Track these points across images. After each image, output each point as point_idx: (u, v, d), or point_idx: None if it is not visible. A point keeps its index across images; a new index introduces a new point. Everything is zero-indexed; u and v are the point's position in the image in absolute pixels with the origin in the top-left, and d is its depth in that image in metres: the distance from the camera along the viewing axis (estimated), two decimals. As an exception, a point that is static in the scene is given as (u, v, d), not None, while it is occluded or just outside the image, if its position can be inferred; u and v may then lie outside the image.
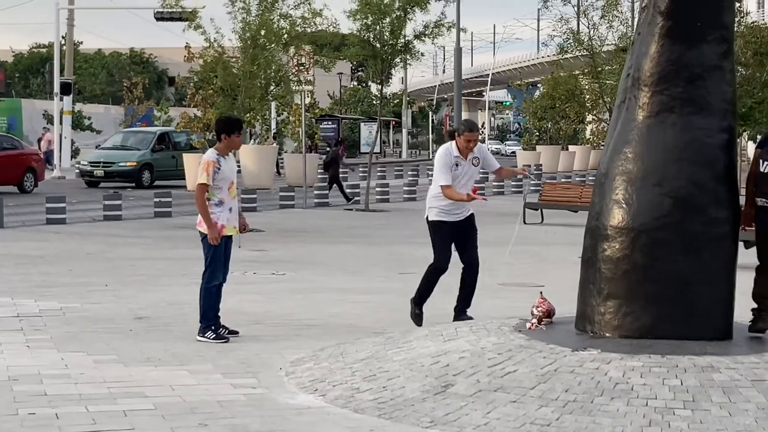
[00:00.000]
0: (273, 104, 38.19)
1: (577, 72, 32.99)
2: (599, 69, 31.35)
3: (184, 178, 35.99)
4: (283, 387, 8.14)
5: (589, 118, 47.31)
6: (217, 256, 9.89)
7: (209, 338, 9.76)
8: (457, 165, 10.21)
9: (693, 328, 8.23)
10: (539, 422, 6.96)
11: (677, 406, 7.02)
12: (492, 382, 7.59)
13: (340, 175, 32.73)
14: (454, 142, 10.28)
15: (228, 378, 8.36)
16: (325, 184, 31.98)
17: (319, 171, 36.34)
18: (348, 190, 31.75)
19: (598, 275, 8.53)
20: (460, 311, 10.51)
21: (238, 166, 35.32)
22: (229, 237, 10.02)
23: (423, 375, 7.92)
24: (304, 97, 30.86)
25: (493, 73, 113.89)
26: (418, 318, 10.41)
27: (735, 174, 8.56)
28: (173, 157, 37.94)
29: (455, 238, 10.45)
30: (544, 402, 7.22)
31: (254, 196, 28.24)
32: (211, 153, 9.89)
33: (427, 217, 10.55)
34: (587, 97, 34.01)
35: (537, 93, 78.11)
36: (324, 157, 34.21)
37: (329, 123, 71.14)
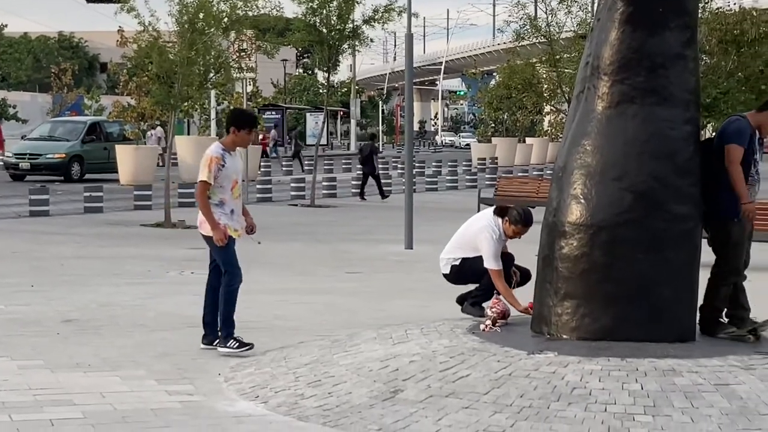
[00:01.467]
0: (213, 93, 38.00)
1: (534, 60, 33.10)
2: (557, 57, 31.54)
3: (116, 171, 35.76)
4: (221, 394, 8.11)
5: (547, 108, 47.42)
6: (231, 255, 9.39)
7: (233, 347, 9.34)
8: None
9: (654, 330, 8.31)
10: (493, 429, 6.99)
11: (637, 411, 7.08)
12: (443, 387, 7.61)
13: (379, 170, 33.46)
14: (500, 220, 9.86)
15: (163, 384, 8.31)
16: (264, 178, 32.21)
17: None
18: (297, 185, 31.75)
19: (556, 274, 8.58)
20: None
21: (175, 158, 35.26)
22: (233, 239, 9.48)
23: (371, 380, 7.93)
24: (246, 86, 30.76)
25: (446, 61, 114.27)
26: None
27: (698, 167, 8.63)
28: (105, 149, 37.64)
29: None
30: (498, 408, 7.25)
31: (192, 190, 28.08)
32: (215, 148, 9.41)
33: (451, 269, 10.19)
34: (545, 86, 34.16)
35: (492, 82, 78.35)
36: (360, 150, 34.67)
37: (273, 113, 70.94)
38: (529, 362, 7.83)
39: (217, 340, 9.45)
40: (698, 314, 8.80)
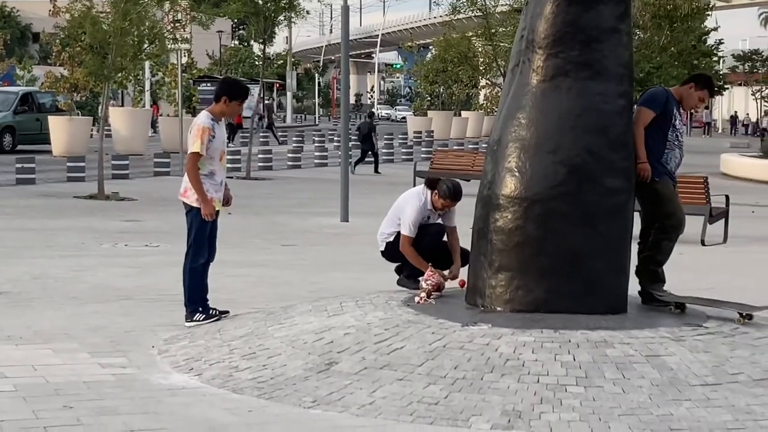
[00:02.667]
0: (147, 64, 37.66)
1: (470, 34, 33.17)
2: (493, 30, 31.60)
3: (49, 143, 35.32)
4: (155, 366, 8.06)
5: (483, 82, 47.59)
6: (204, 232, 9.28)
7: (199, 320, 9.25)
8: (428, 218, 9.94)
9: (587, 302, 8.38)
10: (427, 400, 7.01)
11: (569, 382, 7.14)
12: (378, 359, 7.62)
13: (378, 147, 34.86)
14: (430, 193, 9.80)
15: (96, 357, 8.24)
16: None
17: (353, 140, 36.92)
18: (232, 157, 31.66)
19: (490, 247, 8.62)
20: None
21: (108, 131, 34.90)
22: (217, 212, 9.37)
23: (305, 352, 7.92)
24: (181, 57, 30.48)
25: (382, 34, 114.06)
26: None
27: (631, 141, 8.70)
28: (38, 120, 37.16)
29: None
30: (432, 379, 7.27)
31: (126, 162, 27.87)
32: (205, 118, 9.21)
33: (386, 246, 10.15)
34: (480, 60, 34.25)
35: (429, 55, 78.32)
36: (358, 128, 35.56)
37: (208, 84, 70.24)
38: (463, 334, 7.87)
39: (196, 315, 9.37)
40: (638, 268, 8.97)
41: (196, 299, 9.35)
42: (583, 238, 8.42)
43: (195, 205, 9.20)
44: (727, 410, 6.90)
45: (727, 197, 17.49)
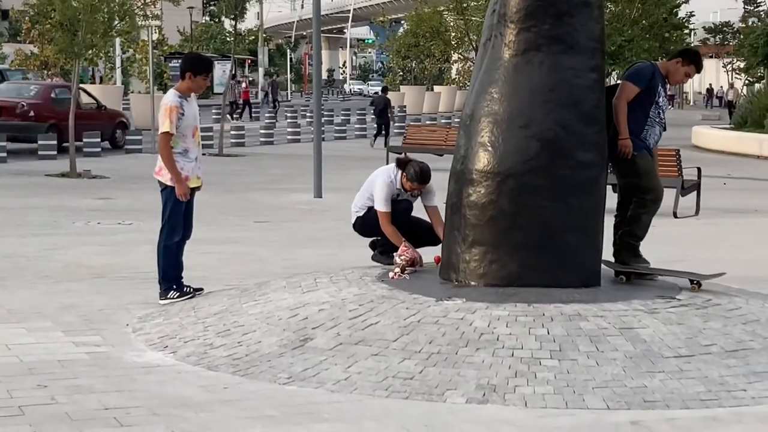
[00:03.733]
0: (117, 41, 37.40)
1: (442, 8, 33.13)
2: (464, 5, 31.56)
3: (19, 121, 35.02)
4: (129, 344, 8.03)
5: (455, 57, 47.54)
6: (179, 210, 9.23)
7: (173, 298, 9.23)
8: (398, 195, 9.88)
9: (560, 276, 8.39)
10: (402, 375, 7.02)
11: (544, 356, 7.16)
12: (353, 335, 7.63)
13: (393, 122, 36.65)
14: (400, 173, 9.72)
15: (69, 336, 8.21)
16: None
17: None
18: (205, 134, 31.70)
19: (463, 221, 8.62)
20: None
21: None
22: (194, 189, 9.34)
23: (280, 329, 7.91)
24: (152, 33, 30.30)
25: (354, 9, 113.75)
26: None
27: (603, 115, 8.71)
28: (8, 98, 36.86)
29: None
30: (407, 354, 7.28)
31: (97, 140, 27.71)
32: (172, 96, 9.15)
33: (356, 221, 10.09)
34: (452, 34, 34.21)
35: (401, 30, 78.12)
36: (374, 103, 37.16)
37: (179, 61, 69.98)
38: (438, 309, 7.87)
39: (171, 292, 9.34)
40: (616, 243, 9.03)
41: (170, 277, 9.33)
42: (555, 212, 8.42)
43: (170, 183, 9.17)
44: (701, 381, 6.94)
45: (699, 169, 17.57)
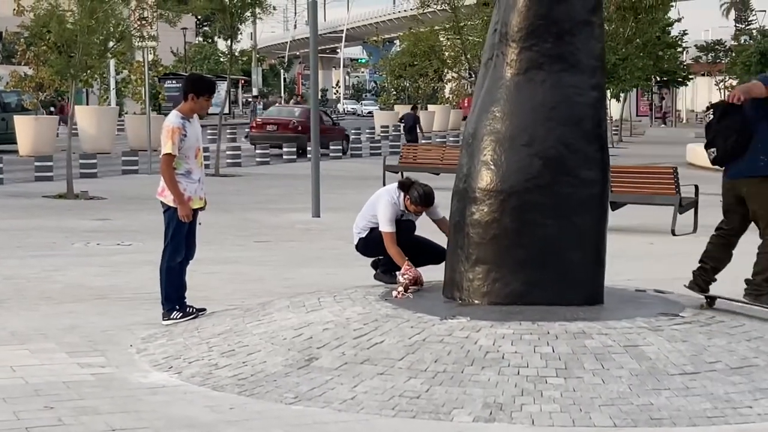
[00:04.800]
0: (112, 62, 37.43)
1: (437, 27, 33.25)
2: (462, 24, 31.65)
3: (15, 142, 35.07)
4: (134, 365, 8.02)
5: (449, 76, 47.64)
6: (182, 231, 9.22)
7: (176, 318, 9.22)
8: (402, 216, 9.90)
9: (564, 294, 8.41)
10: (408, 394, 7.02)
11: (550, 374, 7.16)
12: (358, 354, 7.62)
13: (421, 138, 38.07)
14: (402, 195, 9.74)
15: (74, 357, 8.20)
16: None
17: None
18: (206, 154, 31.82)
19: (467, 240, 8.63)
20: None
21: (75, 129, 34.71)
22: (196, 210, 9.33)
23: (285, 348, 7.91)
24: (147, 54, 30.33)
25: (347, 29, 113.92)
26: None
27: (605, 133, 8.75)
28: (3, 120, 36.95)
29: None
30: (413, 373, 7.28)
31: (94, 161, 27.73)
32: (174, 118, 9.14)
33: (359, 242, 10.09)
34: (447, 53, 34.32)
35: (393, 50, 78.17)
36: (403, 120, 39.23)
37: (173, 82, 70.02)
38: (443, 327, 7.88)
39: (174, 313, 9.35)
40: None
41: (173, 297, 9.32)
42: (558, 230, 8.45)
43: (172, 204, 9.17)
44: (707, 398, 6.95)
45: (696, 187, 17.58)
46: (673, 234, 16.54)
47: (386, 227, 9.67)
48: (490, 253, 8.53)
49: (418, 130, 37.13)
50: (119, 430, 6.45)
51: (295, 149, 36.31)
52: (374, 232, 9.82)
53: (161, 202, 9.31)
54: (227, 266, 12.98)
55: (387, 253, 9.71)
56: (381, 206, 9.75)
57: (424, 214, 9.87)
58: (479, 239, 8.57)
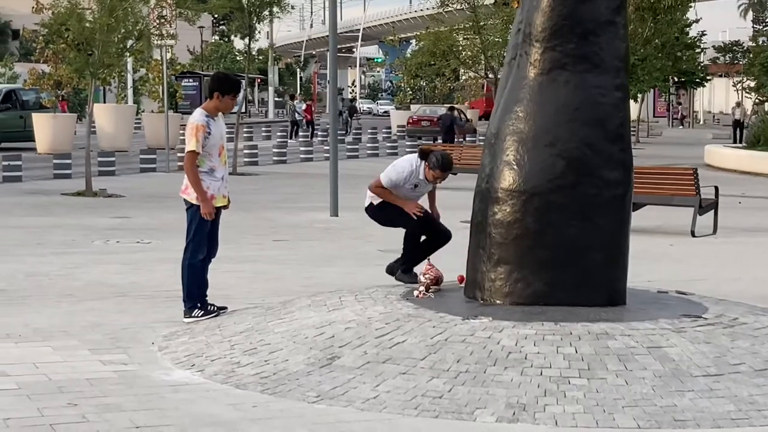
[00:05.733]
0: (129, 60, 37.48)
1: (457, 26, 33.21)
2: (482, 23, 31.61)
3: (33, 140, 35.18)
4: (156, 363, 8.04)
5: (464, 76, 47.67)
6: (204, 229, 9.23)
7: (198, 316, 9.23)
8: (416, 186, 9.97)
9: (586, 294, 8.40)
10: (431, 394, 7.03)
11: (573, 374, 7.16)
12: (380, 353, 7.63)
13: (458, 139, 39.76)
14: (423, 164, 9.83)
15: (96, 354, 8.23)
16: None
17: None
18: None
19: (489, 240, 8.63)
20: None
21: (93, 127, 34.81)
22: (220, 208, 9.35)
23: (307, 347, 7.92)
24: (166, 53, 30.37)
25: (364, 29, 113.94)
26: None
27: (628, 133, 8.74)
28: (21, 117, 37.02)
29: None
30: (435, 373, 7.28)
31: (112, 158, 27.79)
32: (199, 115, 9.15)
33: (370, 204, 10.15)
34: (465, 53, 34.28)
35: (410, 49, 78.07)
36: (441, 120, 41.28)
37: (190, 80, 70.26)
38: (465, 327, 7.88)
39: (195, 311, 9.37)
40: None
41: (194, 295, 9.34)
42: (581, 231, 8.44)
43: (195, 202, 9.18)
44: (730, 400, 6.94)
45: (716, 188, 17.54)
46: (693, 235, 16.51)
47: (384, 179, 9.90)
48: (513, 254, 8.53)
49: (456, 131, 38.03)
50: (143, 427, 6.47)
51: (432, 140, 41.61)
52: (386, 203, 9.94)
53: (184, 199, 9.32)
54: (246, 265, 12.99)
55: (395, 223, 9.94)
56: (397, 168, 9.92)
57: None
58: (501, 239, 8.57)
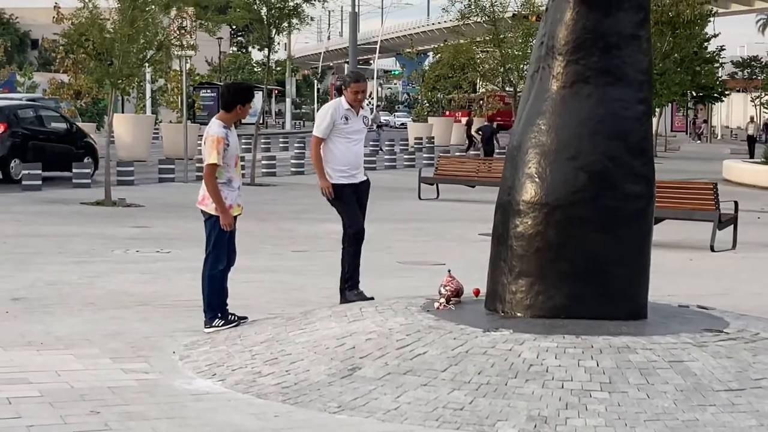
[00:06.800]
0: (149, 70, 37.65)
1: (478, 39, 33.23)
2: (501, 36, 31.63)
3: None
4: (177, 372, 8.07)
5: (482, 89, 47.71)
6: (224, 239, 9.31)
7: (218, 326, 9.27)
8: (347, 119, 10.22)
9: (607, 308, 8.40)
10: (452, 406, 7.03)
11: (594, 388, 7.15)
12: (401, 364, 7.64)
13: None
14: (342, 97, 10.24)
15: (117, 363, 8.26)
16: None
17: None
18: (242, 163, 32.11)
19: (510, 252, 8.63)
20: (351, 289, 10.40)
21: (113, 137, 34.93)
22: (235, 217, 9.43)
23: (328, 358, 7.93)
24: (185, 63, 30.48)
25: (381, 41, 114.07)
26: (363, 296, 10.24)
27: (651, 147, 8.74)
28: (41, 126, 37.12)
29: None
30: (456, 385, 7.29)
31: (131, 168, 27.88)
32: (217, 127, 9.25)
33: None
34: (485, 66, 34.30)
35: (427, 62, 78.09)
36: (480, 129, 41.11)
37: (208, 91, 70.39)
38: (486, 340, 7.88)
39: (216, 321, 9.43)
40: None
41: (214, 305, 9.37)
42: (603, 244, 8.44)
43: (214, 213, 9.23)
44: (752, 415, 6.92)
45: (735, 203, 17.51)
46: (712, 250, 16.48)
47: (319, 132, 10.24)
48: (534, 266, 8.53)
49: (495, 141, 38.21)
50: (165, 435, 6.49)
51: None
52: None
53: (202, 210, 9.37)
54: (265, 275, 13.02)
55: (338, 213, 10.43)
56: (319, 114, 10.33)
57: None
58: (523, 252, 8.57)
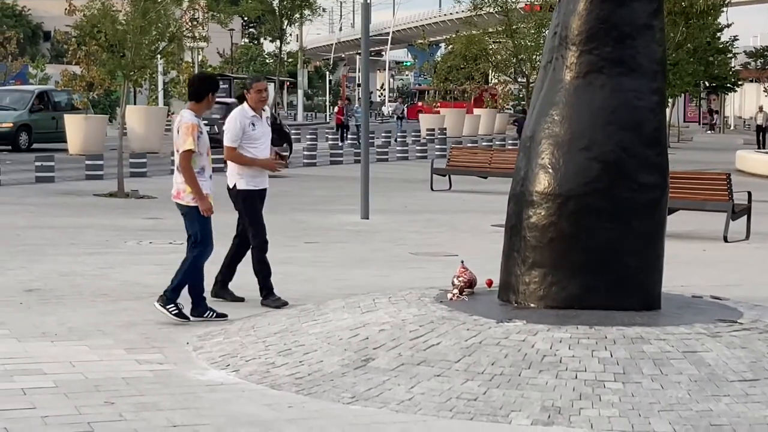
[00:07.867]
0: (161, 62, 37.67)
1: (490, 30, 33.12)
2: (515, 27, 31.54)
3: (65, 141, 35.39)
4: (191, 363, 8.09)
5: (494, 80, 47.59)
6: (208, 228, 9.45)
7: (170, 312, 9.36)
8: (254, 125, 10.27)
9: (621, 298, 8.40)
10: (465, 396, 7.04)
11: (608, 378, 7.15)
12: (415, 355, 7.64)
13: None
14: (245, 102, 10.32)
15: (132, 353, 8.28)
16: None
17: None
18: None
19: (523, 243, 8.63)
20: (268, 296, 10.35)
21: (125, 129, 34.98)
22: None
23: (341, 349, 7.94)
24: (197, 55, 30.50)
25: (393, 32, 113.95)
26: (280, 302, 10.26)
27: (664, 137, 8.73)
28: (53, 118, 37.25)
29: None
30: (470, 375, 7.29)
31: (144, 160, 27.92)
32: (190, 115, 9.41)
33: (234, 186, 10.39)
34: (498, 57, 34.19)
35: (439, 53, 78.01)
36: (517, 123, 42.90)
37: (221, 83, 70.37)
38: (499, 330, 7.88)
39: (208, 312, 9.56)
40: None
41: (179, 291, 9.51)
42: (616, 235, 8.43)
43: (192, 204, 9.34)
44: (766, 405, 6.92)
45: (749, 194, 17.45)
46: (726, 240, 16.44)
47: (227, 141, 10.23)
48: (547, 257, 8.53)
49: None
50: (180, 426, 6.51)
51: None
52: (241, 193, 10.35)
53: (178, 204, 9.51)
54: (279, 266, 12.96)
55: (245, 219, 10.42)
56: (227, 123, 10.31)
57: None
58: (536, 243, 8.57)
